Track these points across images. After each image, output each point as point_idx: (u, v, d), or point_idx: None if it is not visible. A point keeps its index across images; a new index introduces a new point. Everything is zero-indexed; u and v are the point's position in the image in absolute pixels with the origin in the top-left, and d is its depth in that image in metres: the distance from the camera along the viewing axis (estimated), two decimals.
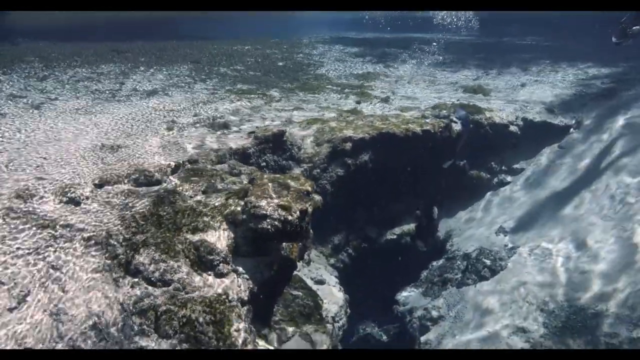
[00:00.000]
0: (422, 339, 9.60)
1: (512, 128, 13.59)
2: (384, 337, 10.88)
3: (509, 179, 13.58)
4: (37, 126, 9.60)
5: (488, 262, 10.45)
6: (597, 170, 12.02)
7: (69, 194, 6.64)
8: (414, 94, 16.43)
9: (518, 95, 16.36)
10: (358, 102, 14.54)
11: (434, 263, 11.61)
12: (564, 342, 8.34)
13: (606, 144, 12.88)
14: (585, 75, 19.11)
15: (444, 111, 13.09)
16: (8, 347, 4.39)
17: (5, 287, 4.97)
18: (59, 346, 4.54)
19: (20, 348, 4.42)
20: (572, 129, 14.24)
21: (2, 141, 8.58)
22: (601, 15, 17.53)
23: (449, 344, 9.12)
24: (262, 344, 6.06)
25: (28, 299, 4.92)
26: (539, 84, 18.07)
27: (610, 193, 10.95)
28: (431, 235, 12.42)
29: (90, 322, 4.84)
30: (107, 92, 13.58)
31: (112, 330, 4.85)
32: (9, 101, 11.46)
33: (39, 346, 4.49)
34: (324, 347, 7.18)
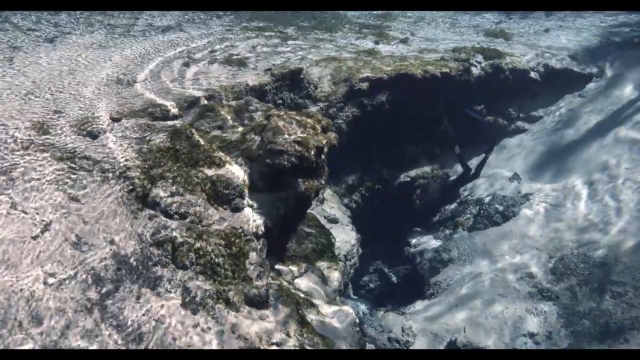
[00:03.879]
0: (432, 280, 9.77)
1: (533, 74, 13.25)
2: (394, 278, 11.07)
3: (526, 126, 13.36)
4: (52, 60, 9.53)
5: (500, 207, 10.46)
6: (617, 121, 11.78)
7: (86, 128, 6.67)
8: (433, 35, 15.99)
9: (541, 41, 15.84)
10: (376, 43, 14.21)
11: (447, 207, 11.65)
12: (571, 289, 8.45)
13: (629, 94, 12.55)
14: (613, 22, 18.38)
15: (464, 54, 12.78)
16: (32, 272, 4.53)
17: (29, 216, 5.08)
18: (80, 274, 4.67)
19: (41, 272, 4.56)
20: (594, 78, 13.84)
21: (18, 74, 8.55)
22: None
23: (457, 287, 9.28)
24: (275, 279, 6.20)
25: (50, 228, 5.03)
26: (563, 30, 17.45)
27: (629, 144, 10.79)
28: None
29: (110, 252, 4.97)
30: (122, 27, 13.36)
31: (131, 260, 4.98)
32: (23, 34, 11.34)
33: (61, 274, 4.62)
34: (336, 284, 7.32)
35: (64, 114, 7.07)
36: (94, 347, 4.17)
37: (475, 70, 12.19)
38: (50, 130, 6.56)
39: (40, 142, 6.24)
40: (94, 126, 6.71)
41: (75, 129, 6.65)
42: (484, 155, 12.17)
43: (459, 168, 12.19)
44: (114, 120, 7.01)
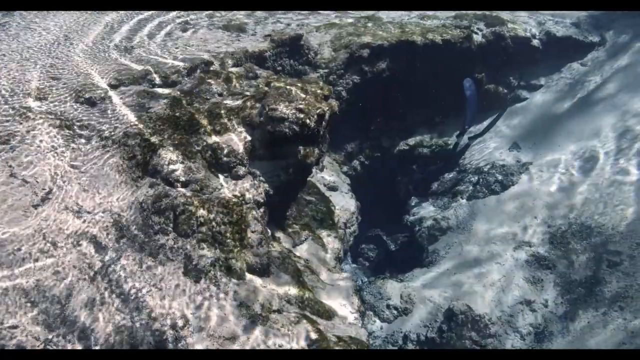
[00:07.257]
0: (430, 248, 9.86)
1: (535, 42, 13.04)
2: (392, 246, 11.15)
3: (526, 94, 13.24)
4: (46, 25, 9.34)
5: (499, 176, 10.47)
6: (619, 90, 11.67)
7: (84, 95, 6.57)
8: None
9: None
10: None
11: (446, 175, 11.65)
12: (568, 257, 8.54)
13: (632, 64, 12.40)
14: None
15: (465, 21, 12.58)
16: (35, 242, 4.54)
17: (29, 185, 5.06)
18: (83, 243, 4.68)
19: (43, 241, 4.56)
20: (597, 46, 13.64)
21: (12, 40, 8.39)
22: None
23: (455, 255, 9.37)
24: (276, 246, 6.23)
25: (50, 196, 5.02)
26: None
27: (631, 113, 10.73)
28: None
29: (111, 220, 4.97)
30: None
31: (133, 228, 4.98)
32: None
33: (63, 241, 4.63)
34: (335, 251, 7.37)
35: (61, 81, 6.97)
36: (97, 314, 4.22)
37: (476, 38, 12.01)
38: (48, 97, 6.47)
39: (38, 109, 6.17)
40: (92, 93, 6.61)
41: (73, 96, 6.56)
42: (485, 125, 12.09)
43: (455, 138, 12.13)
44: (112, 87, 6.91)
